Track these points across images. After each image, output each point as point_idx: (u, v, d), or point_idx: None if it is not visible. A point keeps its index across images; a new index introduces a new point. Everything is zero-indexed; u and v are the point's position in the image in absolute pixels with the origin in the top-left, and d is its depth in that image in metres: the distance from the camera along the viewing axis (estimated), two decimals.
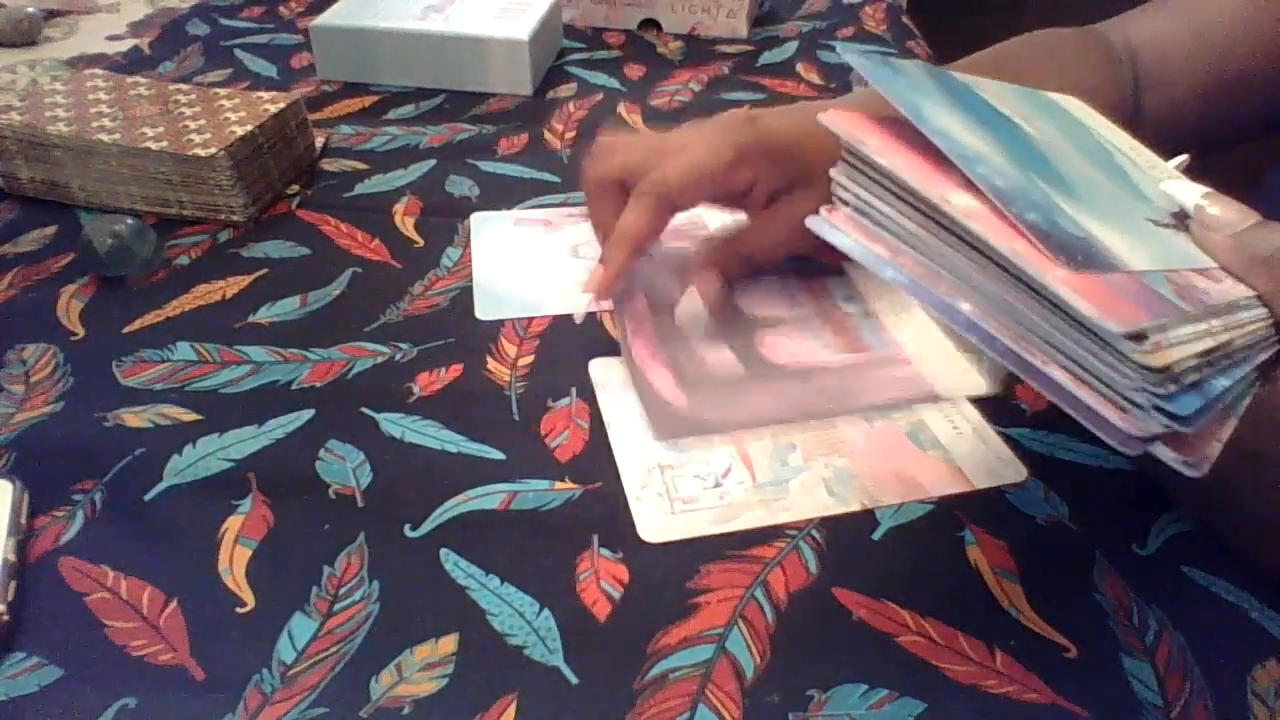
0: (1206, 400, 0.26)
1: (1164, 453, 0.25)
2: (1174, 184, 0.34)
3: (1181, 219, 0.33)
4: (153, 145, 0.57)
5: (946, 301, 0.26)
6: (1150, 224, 0.32)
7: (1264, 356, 0.29)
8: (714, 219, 0.60)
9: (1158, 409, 0.24)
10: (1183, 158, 0.36)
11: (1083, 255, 0.26)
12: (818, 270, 0.54)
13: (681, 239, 0.58)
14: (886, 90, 0.28)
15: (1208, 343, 0.26)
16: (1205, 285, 0.29)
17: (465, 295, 0.54)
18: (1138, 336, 0.24)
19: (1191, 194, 0.33)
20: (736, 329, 0.49)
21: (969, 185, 0.26)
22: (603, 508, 0.40)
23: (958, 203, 0.25)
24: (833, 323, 0.50)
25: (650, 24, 0.91)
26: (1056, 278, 0.24)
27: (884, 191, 0.27)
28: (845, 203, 0.28)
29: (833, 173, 0.28)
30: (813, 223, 0.29)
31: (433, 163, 0.67)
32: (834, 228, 0.28)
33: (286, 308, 0.52)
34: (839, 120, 0.28)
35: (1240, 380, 0.28)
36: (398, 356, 0.49)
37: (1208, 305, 0.28)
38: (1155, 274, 0.27)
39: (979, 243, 0.25)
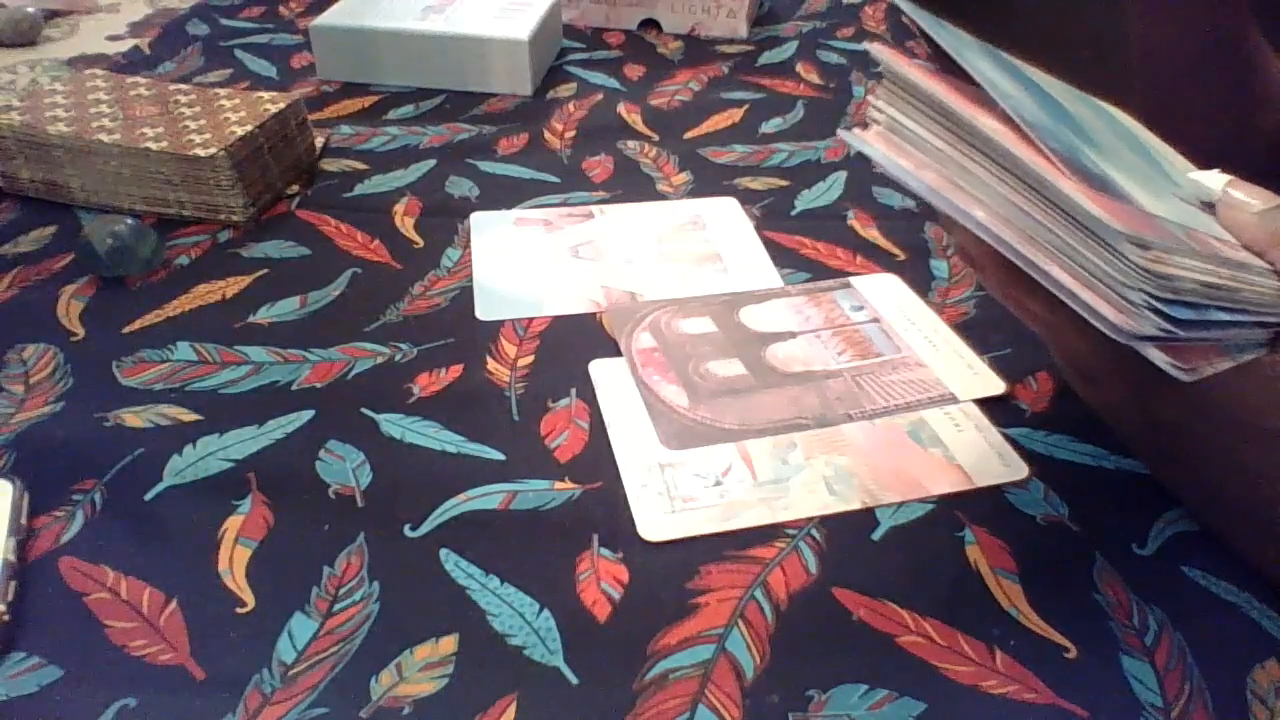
0: (1202, 318, 0.27)
1: (1155, 355, 0.26)
2: (1201, 173, 0.35)
3: (1208, 207, 0.34)
4: (153, 145, 0.57)
5: (961, 208, 0.28)
6: (1176, 198, 0.33)
7: (1272, 319, 0.31)
8: (714, 219, 0.61)
9: (1153, 310, 0.26)
10: (1215, 170, 0.37)
11: (1100, 184, 0.27)
12: (823, 286, 0.54)
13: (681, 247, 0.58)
14: (932, 30, 0.30)
15: (1211, 279, 0.27)
16: (1221, 247, 0.30)
17: (465, 295, 0.54)
18: (1141, 245, 0.25)
19: (1218, 179, 0.35)
20: (746, 344, 0.49)
21: (998, 116, 0.28)
22: (603, 508, 0.40)
23: (986, 121, 0.27)
24: (843, 332, 0.50)
25: (650, 24, 0.91)
26: (1071, 185, 0.26)
27: (916, 112, 0.29)
28: (879, 122, 0.31)
29: (869, 97, 0.31)
30: (846, 135, 0.31)
31: (433, 163, 0.67)
32: (866, 143, 0.30)
33: (286, 308, 0.52)
34: (884, 51, 0.30)
35: (1242, 325, 0.29)
36: (398, 357, 0.49)
37: (1219, 255, 0.29)
38: (1171, 222, 0.28)
39: (1000, 155, 0.27)
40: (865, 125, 0.31)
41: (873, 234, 0.60)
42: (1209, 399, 0.33)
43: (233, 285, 0.54)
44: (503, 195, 0.63)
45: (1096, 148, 0.31)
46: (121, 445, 0.43)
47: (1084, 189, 0.26)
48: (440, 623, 0.36)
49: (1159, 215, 0.29)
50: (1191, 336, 0.27)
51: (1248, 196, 0.34)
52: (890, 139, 0.30)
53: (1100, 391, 0.41)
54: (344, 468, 0.42)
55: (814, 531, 0.39)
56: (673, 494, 0.41)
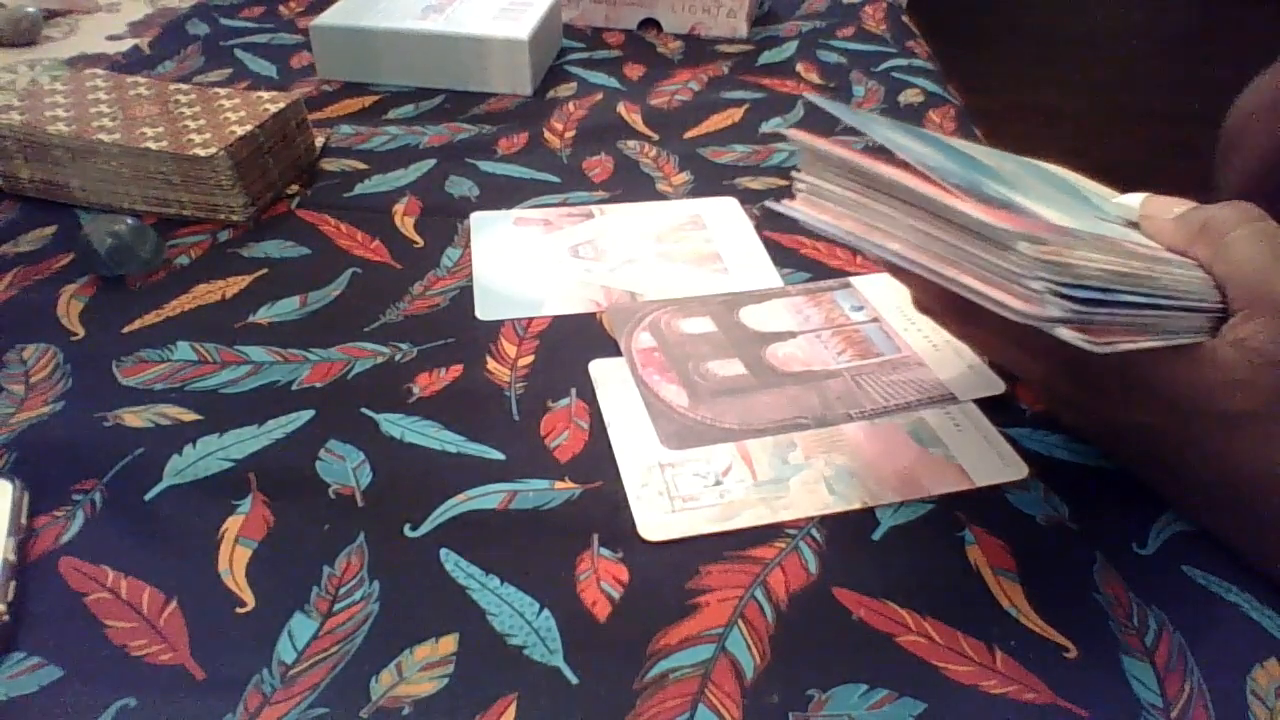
0: (1108, 298, 0.29)
1: (1066, 334, 0.28)
2: (1125, 196, 0.39)
3: (1135, 226, 0.37)
4: (153, 145, 0.57)
5: (880, 244, 0.31)
6: (1095, 218, 0.35)
7: (1200, 305, 0.34)
8: (714, 219, 0.60)
9: (1056, 294, 0.28)
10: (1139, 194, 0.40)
11: (1001, 205, 0.30)
12: (823, 285, 0.54)
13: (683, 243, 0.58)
14: (838, 113, 0.35)
15: (1120, 268, 0.30)
16: (1136, 248, 0.33)
17: (465, 295, 0.54)
18: (1035, 241, 0.28)
19: (1139, 198, 0.38)
20: (746, 344, 0.49)
21: (902, 166, 0.31)
22: (603, 508, 0.40)
23: (889, 169, 0.31)
24: (843, 332, 0.50)
25: (650, 24, 0.91)
26: (965, 203, 0.29)
27: (831, 175, 0.33)
28: (803, 190, 0.35)
29: (794, 173, 0.34)
30: (774, 205, 0.35)
31: (433, 163, 0.67)
32: (792, 209, 0.34)
33: (286, 308, 0.52)
34: (798, 134, 0.34)
35: (1167, 308, 0.32)
36: (398, 357, 0.49)
37: (1129, 250, 0.32)
38: (1083, 231, 0.31)
39: (904, 193, 0.31)
40: (793, 196, 0.35)
41: None
42: (1163, 394, 0.34)
43: (233, 285, 0.54)
44: (503, 195, 0.63)
45: (1008, 185, 0.34)
46: (121, 445, 0.43)
47: (977, 205, 0.29)
48: (440, 623, 0.36)
49: (1070, 226, 0.31)
50: (1102, 315, 0.30)
51: (1165, 202, 0.37)
52: (813, 201, 0.34)
53: (1070, 411, 0.42)
54: (344, 468, 0.42)
55: (814, 531, 0.39)
56: (673, 494, 0.41)
